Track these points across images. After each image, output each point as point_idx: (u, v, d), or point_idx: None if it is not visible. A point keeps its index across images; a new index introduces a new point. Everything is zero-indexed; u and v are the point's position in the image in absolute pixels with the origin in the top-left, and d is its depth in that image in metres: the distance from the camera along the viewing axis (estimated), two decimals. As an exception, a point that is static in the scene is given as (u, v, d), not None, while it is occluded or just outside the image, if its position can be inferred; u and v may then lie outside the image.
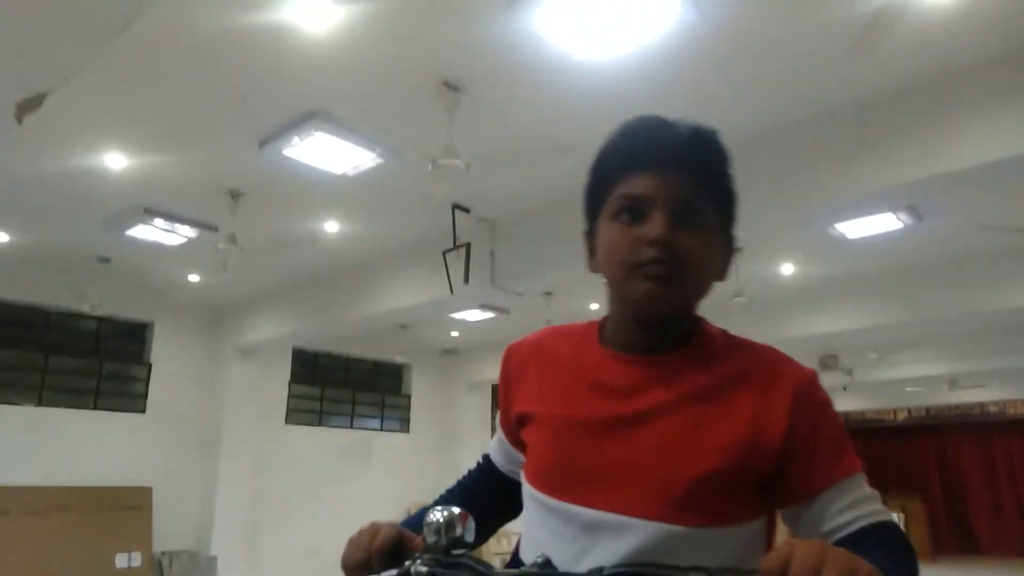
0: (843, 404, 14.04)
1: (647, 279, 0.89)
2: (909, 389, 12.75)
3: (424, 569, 0.86)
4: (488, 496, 1.13)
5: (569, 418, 0.94)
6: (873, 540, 0.83)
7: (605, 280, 0.97)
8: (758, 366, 0.92)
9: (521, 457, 1.05)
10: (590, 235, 1.00)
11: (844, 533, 0.85)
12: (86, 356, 7.77)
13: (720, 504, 0.86)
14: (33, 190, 5.33)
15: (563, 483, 0.92)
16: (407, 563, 0.88)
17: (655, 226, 0.89)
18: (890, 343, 10.01)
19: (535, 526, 0.95)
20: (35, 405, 7.25)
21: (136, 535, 7.28)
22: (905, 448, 16.46)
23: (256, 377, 8.50)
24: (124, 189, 5.27)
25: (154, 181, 5.15)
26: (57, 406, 7.38)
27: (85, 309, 7.05)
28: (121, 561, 7.05)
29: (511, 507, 1.13)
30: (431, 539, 0.86)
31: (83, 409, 7.55)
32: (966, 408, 14.55)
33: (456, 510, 0.87)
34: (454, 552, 0.86)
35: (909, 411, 15.54)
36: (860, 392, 13.44)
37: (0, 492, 6.60)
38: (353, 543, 0.95)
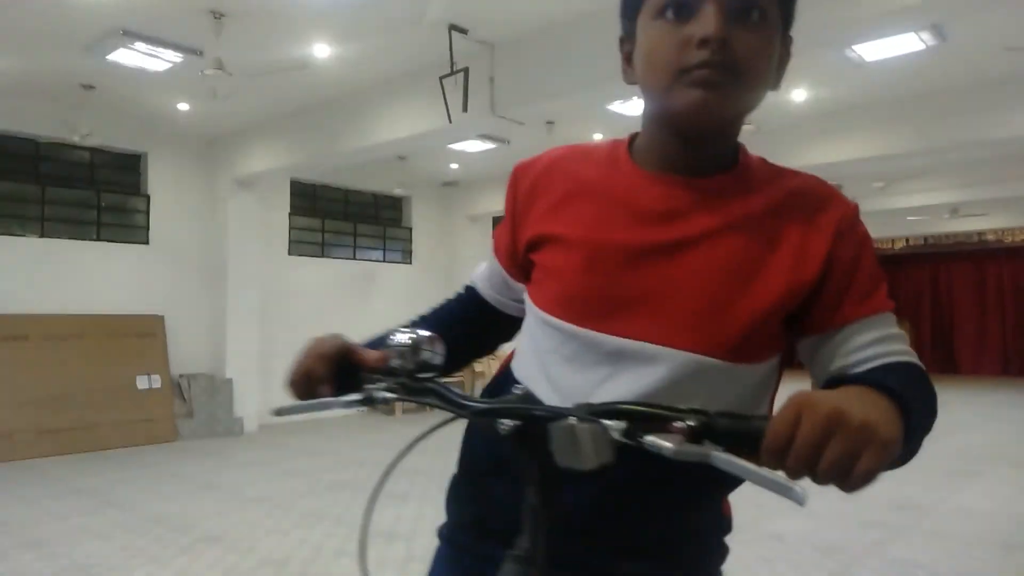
0: (842, 234, 14.07)
1: (695, 86, 0.78)
2: (910, 218, 12.75)
3: (387, 393, 0.81)
4: (467, 325, 1.06)
5: (603, 243, 0.85)
6: (894, 377, 0.76)
7: (642, 91, 0.86)
8: (803, 195, 0.86)
9: (518, 287, 1.00)
10: (626, 39, 0.88)
11: (864, 368, 0.80)
12: (83, 187, 7.70)
13: (755, 339, 0.82)
14: (5, 14, 5.01)
15: (592, 310, 0.85)
16: (367, 386, 0.82)
17: (706, 23, 0.77)
18: (896, 172, 9.87)
19: (547, 353, 0.89)
20: (38, 236, 7.29)
21: (153, 359, 7.60)
22: (900, 277, 16.80)
23: (256, 209, 8.49)
24: (101, 11, 4.95)
25: (132, 1, 4.82)
26: (60, 237, 7.42)
27: (75, 139, 6.88)
28: (142, 383, 7.42)
29: (491, 339, 1.09)
30: (396, 362, 0.81)
31: (86, 240, 7.60)
32: (964, 237, 14.66)
33: (424, 332, 0.82)
34: (421, 376, 0.81)
35: (908, 241, 15.66)
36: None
37: (16, 319, 6.81)
38: (296, 360, 0.88)
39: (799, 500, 0.52)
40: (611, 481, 0.81)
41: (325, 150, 7.12)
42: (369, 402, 0.83)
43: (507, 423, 0.71)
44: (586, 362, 0.85)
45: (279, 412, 0.86)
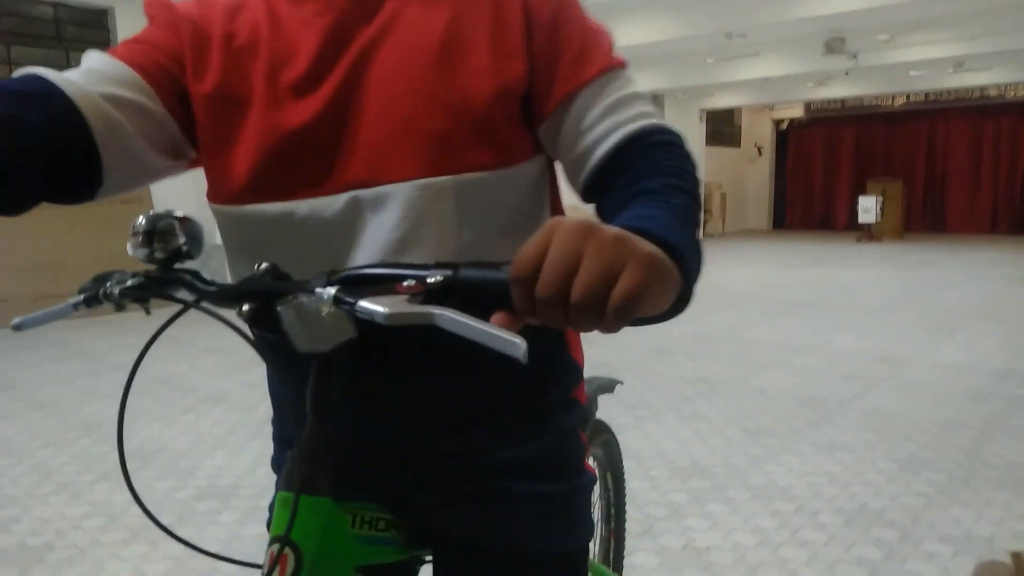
0: (841, 90, 13.77)
1: None
2: (913, 73, 12.38)
3: (117, 289, 0.68)
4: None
5: (278, 95, 0.71)
6: (649, 205, 0.65)
7: None
8: None
9: (143, 84, 0.71)
10: None
11: (605, 148, 0.70)
12: (50, 46, 7.34)
13: (483, 140, 0.70)
14: None
15: (293, 176, 0.71)
16: (104, 285, 0.69)
17: None
18: (901, 24, 9.47)
19: (261, 252, 0.72)
20: (10, 100, 7.03)
21: (142, 226, 7.56)
22: (896, 135, 16.59)
23: (235, 68, 8.15)
24: None
25: None
26: (33, 101, 7.16)
27: (36, -7, 6.48)
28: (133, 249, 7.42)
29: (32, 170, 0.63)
30: (138, 252, 0.69)
31: (61, 103, 7.34)
32: (966, 92, 14.34)
33: (178, 213, 0.69)
34: (177, 267, 0.69)
35: (908, 97, 15.30)
36: (862, 77, 13.08)
37: None
38: None
39: (520, 354, 0.45)
40: (405, 357, 0.73)
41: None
42: (94, 302, 0.70)
43: (245, 306, 0.61)
44: (316, 240, 0.72)
45: (18, 327, 0.73)
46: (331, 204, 0.70)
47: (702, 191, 0.69)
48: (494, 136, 0.71)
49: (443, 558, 0.84)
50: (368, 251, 0.71)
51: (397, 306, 0.52)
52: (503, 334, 0.47)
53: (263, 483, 2.89)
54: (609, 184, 0.70)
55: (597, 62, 0.72)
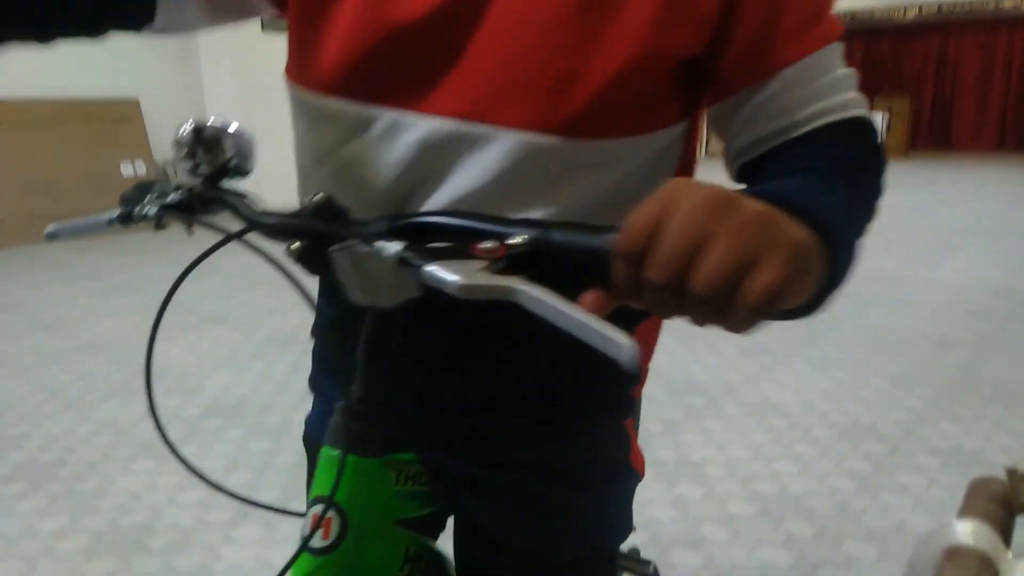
0: (851, 2, 13.33)
1: None
2: (926, -17, 11.93)
3: (154, 209, 0.64)
4: None
5: None
6: (825, 156, 0.58)
7: None
8: None
9: None
10: None
11: (796, 133, 0.59)
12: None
13: (626, 104, 0.59)
14: None
15: (385, 79, 0.60)
16: (138, 205, 0.65)
17: None
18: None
19: (331, 153, 0.64)
20: (-9, 13, 6.80)
21: (134, 145, 7.44)
22: (906, 49, 16.15)
23: (223, -22, 7.86)
24: None
25: None
26: (16, 14, 6.93)
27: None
28: (126, 169, 7.32)
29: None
30: (182, 165, 0.63)
31: (44, 17, 7.10)
32: (980, 5, 13.87)
33: (229, 124, 0.62)
34: (223, 184, 0.62)
35: (920, 8, 14.80)
36: (873, -13, 12.63)
37: (-14, 106, 6.56)
38: None
39: (626, 358, 0.35)
40: (467, 319, 0.65)
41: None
42: (129, 220, 0.66)
43: (295, 244, 0.55)
44: (389, 164, 0.61)
45: (52, 235, 0.72)
46: (416, 126, 0.60)
47: (880, 201, 0.59)
48: (631, 102, 0.59)
49: (461, 525, 0.80)
50: (445, 195, 0.61)
51: (472, 276, 0.43)
52: (607, 330, 0.37)
53: (268, 401, 2.95)
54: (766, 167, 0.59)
55: (818, 33, 0.58)
